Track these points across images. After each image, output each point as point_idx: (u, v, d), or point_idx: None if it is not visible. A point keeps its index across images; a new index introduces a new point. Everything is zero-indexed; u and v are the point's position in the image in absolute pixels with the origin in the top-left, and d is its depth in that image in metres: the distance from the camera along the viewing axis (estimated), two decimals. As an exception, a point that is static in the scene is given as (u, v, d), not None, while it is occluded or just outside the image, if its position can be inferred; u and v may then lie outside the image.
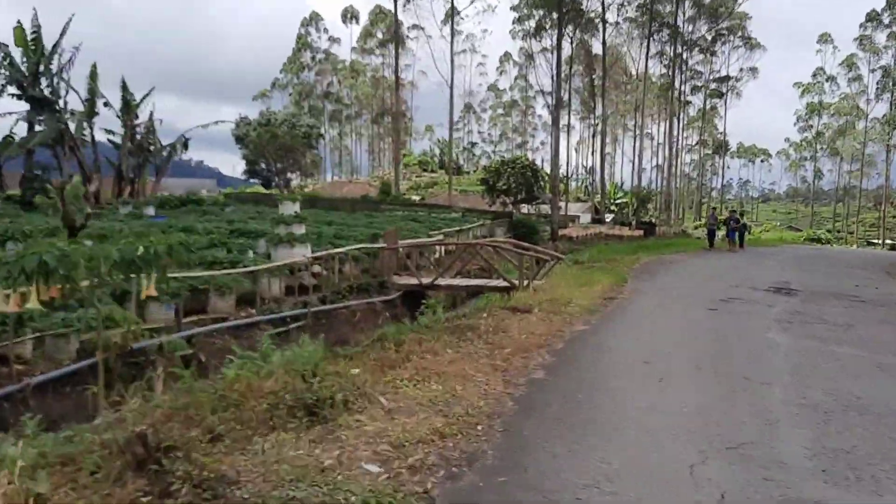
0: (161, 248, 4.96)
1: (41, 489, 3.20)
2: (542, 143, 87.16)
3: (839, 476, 3.83)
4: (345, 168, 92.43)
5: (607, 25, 47.23)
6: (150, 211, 24.16)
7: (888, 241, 57.67)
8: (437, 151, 78.72)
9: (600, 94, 51.83)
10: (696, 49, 56.78)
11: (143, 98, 33.43)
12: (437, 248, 18.97)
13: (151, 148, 34.56)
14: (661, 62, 55.37)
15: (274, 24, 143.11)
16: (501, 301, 10.67)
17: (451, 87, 49.38)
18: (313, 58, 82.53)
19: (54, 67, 28.92)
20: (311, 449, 3.79)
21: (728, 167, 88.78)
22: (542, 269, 14.09)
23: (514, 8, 50.65)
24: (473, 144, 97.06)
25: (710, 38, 56.29)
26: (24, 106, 28.45)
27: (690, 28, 52.85)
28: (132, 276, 5.01)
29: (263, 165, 42.28)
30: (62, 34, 28.81)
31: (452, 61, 49.25)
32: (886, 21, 63.44)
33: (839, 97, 74.88)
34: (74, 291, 5.13)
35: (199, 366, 7.74)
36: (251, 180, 49.34)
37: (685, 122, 69.83)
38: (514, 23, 53.63)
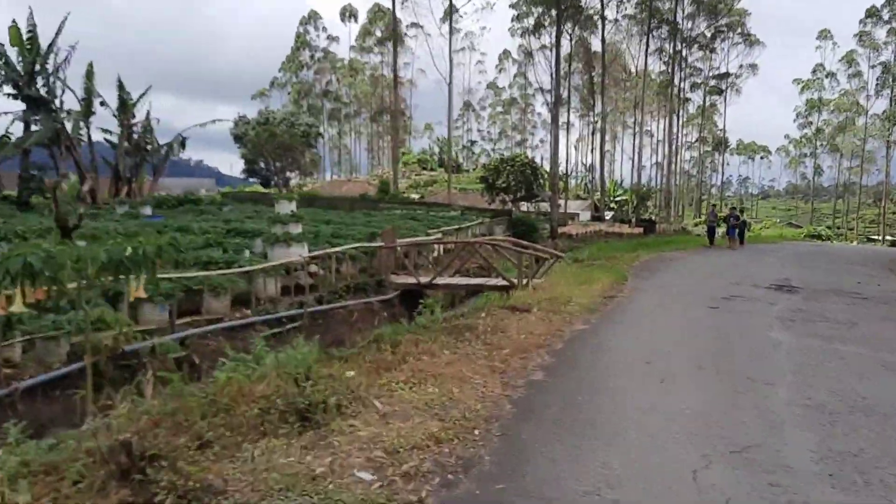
0: (150, 248, 4.83)
1: (21, 500, 3.09)
2: (542, 141, 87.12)
3: (847, 481, 3.72)
4: (344, 167, 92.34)
5: (606, 22, 47.22)
6: (147, 211, 24.01)
7: (888, 238, 57.58)
8: (437, 150, 78.52)
9: (599, 92, 51.72)
10: (696, 46, 56.67)
11: (140, 97, 33.33)
12: (436, 246, 18.85)
13: (148, 147, 34.39)
14: (661, 59, 55.36)
15: (273, 24, 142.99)
16: (500, 300, 10.56)
17: (450, 85, 49.34)
18: (312, 56, 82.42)
19: (50, 67, 28.75)
20: (303, 456, 3.67)
21: (728, 164, 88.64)
22: (541, 268, 13.97)
23: (512, 5, 50.71)
24: (473, 142, 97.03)
25: (709, 34, 56.15)
26: (19, 105, 28.31)
27: (690, 25, 52.79)
28: (121, 277, 4.90)
29: (262, 164, 42.14)
30: (57, 33, 28.66)
31: (451, 59, 49.19)
32: (886, 17, 63.38)
33: (839, 93, 74.92)
34: (62, 294, 5.01)
35: (191, 368, 7.64)
36: (250, 179, 49.20)
37: (685, 119, 69.77)
38: (512, 20, 53.76)
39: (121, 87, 32.64)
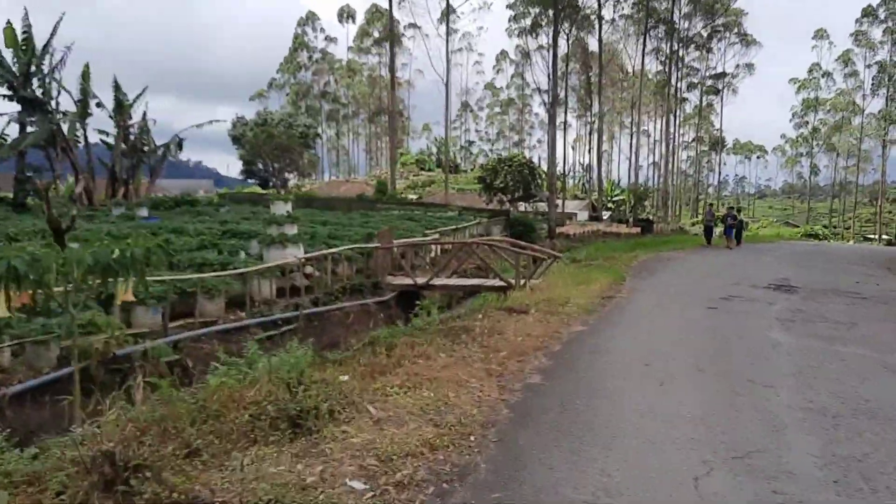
0: (138, 251, 4.73)
1: (1, 512, 3.00)
2: (539, 141, 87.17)
3: (852, 487, 3.63)
4: (342, 167, 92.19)
5: (603, 22, 47.09)
6: (143, 212, 23.87)
7: (884, 237, 57.64)
8: (434, 150, 78.45)
9: (597, 92, 51.64)
10: (693, 46, 56.67)
11: (136, 98, 33.11)
12: (433, 247, 18.75)
13: (145, 148, 34.18)
14: (658, 59, 55.27)
15: (270, 25, 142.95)
16: (498, 301, 10.46)
17: (448, 86, 49.29)
18: (310, 57, 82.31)
19: (46, 68, 28.58)
20: (293, 464, 3.57)
21: (724, 164, 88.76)
22: (539, 268, 13.89)
23: (510, 6, 50.62)
24: (470, 143, 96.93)
25: (705, 34, 56.16)
26: (15, 107, 28.17)
27: (686, 25, 52.76)
28: (109, 280, 4.79)
29: (260, 165, 42.02)
30: (53, 34, 28.51)
31: (449, 60, 49.16)
32: (882, 16, 63.47)
33: (835, 93, 75.04)
34: (49, 297, 4.90)
35: (183, 372, 7.52)
36: (248, 180, 49.04)
37: (681, 119, 69.80)
38: (510, 20, 53.52)
39: (117, 87, 32.44)
